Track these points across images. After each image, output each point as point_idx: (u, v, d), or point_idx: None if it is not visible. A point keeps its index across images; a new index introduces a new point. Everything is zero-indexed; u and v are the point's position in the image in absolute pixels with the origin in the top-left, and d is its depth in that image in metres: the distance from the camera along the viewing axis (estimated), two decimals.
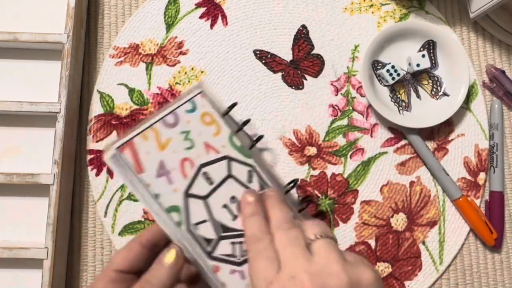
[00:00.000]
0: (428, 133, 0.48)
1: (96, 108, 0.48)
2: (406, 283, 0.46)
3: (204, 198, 0.35)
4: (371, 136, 0.48)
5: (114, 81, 0.48)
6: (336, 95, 0.49)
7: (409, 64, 0.47)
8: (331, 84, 0.49)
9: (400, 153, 0.48)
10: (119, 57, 0.49)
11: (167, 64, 0.49)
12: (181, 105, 0.36)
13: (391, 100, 0.48)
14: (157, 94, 0.48)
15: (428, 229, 0.47)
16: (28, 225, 0.44)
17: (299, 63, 0.49)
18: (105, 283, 0.32)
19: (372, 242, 0.46)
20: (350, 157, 0.48)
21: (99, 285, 0.32)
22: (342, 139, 0.48)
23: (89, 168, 0.47)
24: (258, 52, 0.49)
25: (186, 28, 0.49)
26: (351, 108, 0.48)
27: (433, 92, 0.48)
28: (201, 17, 0.50)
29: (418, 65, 0.46)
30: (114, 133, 0.47)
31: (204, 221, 0.34)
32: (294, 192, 0.46)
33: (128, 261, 0.33)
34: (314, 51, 0.49)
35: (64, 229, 0.44)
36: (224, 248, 0.34)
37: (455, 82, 0.47)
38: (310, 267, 0.28)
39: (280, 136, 0.48)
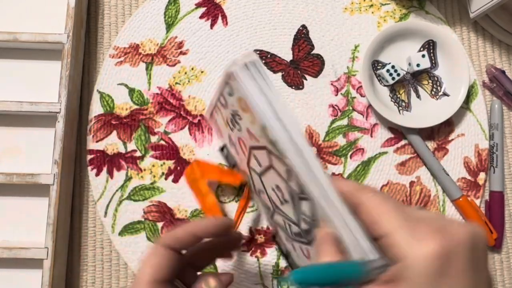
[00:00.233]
0: (428, 133, 0.48)
1: (96, 108, 0.48)
2: None
3: (259, 174, 0.35)
4: (371, 136, 0.48)
5: (114, 81, 0.48)
6: (336, 95, 0.49)
7: (409, 64, 0.47)
8: (331, 84, 0.49)
9: (400, 153, 0.48)
10: (119, 57, 0.49)
11: (167, 64, 0.49)
12: (225, 86, 0.34)
13: (391, 100, 0.48)
14: (157, 94, 0.48)
15: None
16: (28, 225, 0.44)
17: (299, 63, 0.49)
18: None
19: None
20: (350, 157, 0.48)
21: None
22: (342, 139, 0.48)
23: (89, 168, 0.47)
24: (258, 52, 0.49)
25: (186, 28, 0.49)
26: (351, 108, 0.48)
27: (433, 92, 0.48)
28: (201, 17, 0.50)
29: (418, 65, 0.46)
30: (114, 133, 0.47)
31: (263, 191, 0.36)
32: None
33: (161, 269, 0.30)
34: (314, 51, 0.49)
35: (64, 229, 0.44)
36: (279, 219, 0.36)
37: (455, 82, 0.47)
38: None
39: None
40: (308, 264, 0.34)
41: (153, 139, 0.47)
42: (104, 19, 0.50)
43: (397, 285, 0.24)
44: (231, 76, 0.30)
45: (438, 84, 0.48)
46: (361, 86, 0.49)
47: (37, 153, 0.45)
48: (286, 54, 0.49)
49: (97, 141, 0.47)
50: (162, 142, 0.47)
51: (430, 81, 0.48)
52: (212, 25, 0.50)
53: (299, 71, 0.49)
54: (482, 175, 0.48)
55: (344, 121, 0.48)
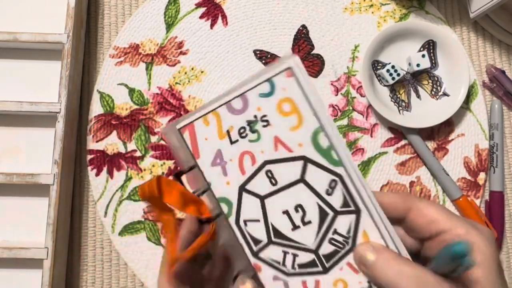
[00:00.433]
0: (428, 133, 0.48)
1: (96, 108, 0.48)
2: None
3: (262, 197, 0.30)
4: (371, 136, 0.48)
5: (114, 81, 0.48)
6: (336, 95, 0.49)
7: (409, 64, 0.47)
8: (331, 84, 0.49)
9: (400, 153, 0.48)
10: (119, 57, 0.49)
11: (167, 64, 0.49)
12: (256, 86, 0.29)
13: (391, 100, 0.48)
14: (157, 94, 0.48)
15: None
16: (28, 225, 0.44)
17: None
18: None
19: None
20: None
21: None
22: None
23: (89, 168, 0.47)
24: (258, 52, 0.49)
25: (186, 28, 0.49)
26: (351, 108, 0.48)
27: (433, 92, 0.48)
28: (201, 17, 0.50)
29: (418, 65, 0.46)
30: (114, 133, 0.47)
31: (256, 221, 0.30)
32: None
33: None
34: (314, 51, 0.49)
35: (64, 229, 0.44)
36: (273, 253, 0.30)
37: (455, 82, 0.47)
38: None
39: None
40: None
41: (153, 139, 0.47)
42: (104, 19, 0.50)
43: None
44: (288, 72, 0.28)
45: (438, 84, 0.48)
46: (361, 86, 0.49)
47: (37, 153, 0.45)
48: None
49: (97, 141, 0.47)
50: (162, 142, 0.47)
51: (430, 81, 0.48)
52: (212, 25, 0.50)
53: None
54: (482, 175, 0.48)
55: (344, 121, 0.48)
